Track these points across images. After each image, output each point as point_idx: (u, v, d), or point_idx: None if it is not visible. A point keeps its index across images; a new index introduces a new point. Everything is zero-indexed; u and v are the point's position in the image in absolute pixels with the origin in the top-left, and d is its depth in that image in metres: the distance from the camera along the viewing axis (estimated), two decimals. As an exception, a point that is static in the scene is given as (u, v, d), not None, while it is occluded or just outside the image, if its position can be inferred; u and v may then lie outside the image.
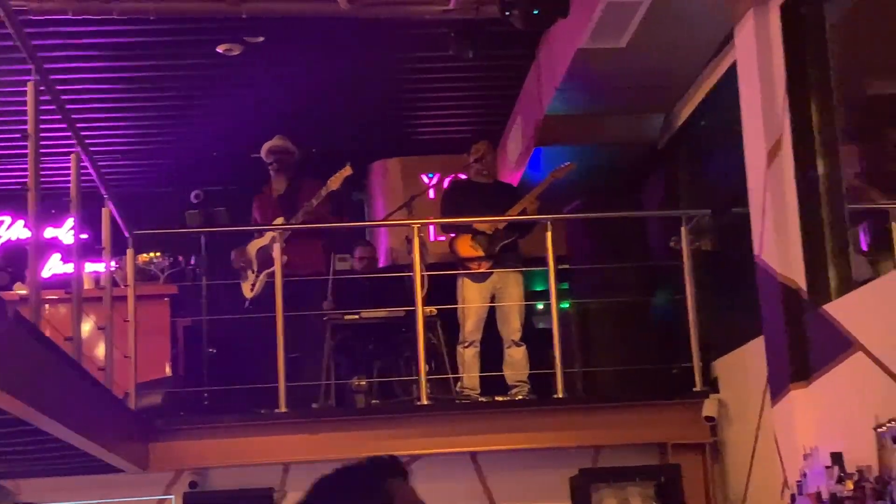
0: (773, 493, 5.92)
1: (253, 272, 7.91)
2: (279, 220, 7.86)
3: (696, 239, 7.65)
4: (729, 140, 6.61)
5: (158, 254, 8.44)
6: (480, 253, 7.93)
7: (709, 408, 7.16)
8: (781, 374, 5.68)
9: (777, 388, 5.75)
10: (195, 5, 6.96)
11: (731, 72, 6.44)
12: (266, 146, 8.18)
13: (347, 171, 7.84)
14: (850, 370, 5.10)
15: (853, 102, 6.01)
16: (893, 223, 5.72)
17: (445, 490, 7.26)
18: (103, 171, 7.76)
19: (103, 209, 6.59)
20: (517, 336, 7.88)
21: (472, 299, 7.91)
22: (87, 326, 7.09)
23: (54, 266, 10.12)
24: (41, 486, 7.00)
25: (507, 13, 6.44)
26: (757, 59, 5.87)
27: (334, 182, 7.79)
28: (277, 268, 7.35)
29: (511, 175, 9.37)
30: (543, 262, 7.54)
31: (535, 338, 8.13)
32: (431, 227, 9.57)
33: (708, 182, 8.00)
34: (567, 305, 8.70)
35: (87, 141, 7.73)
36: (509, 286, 7.96)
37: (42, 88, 4.82)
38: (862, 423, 4.78)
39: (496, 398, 7.70)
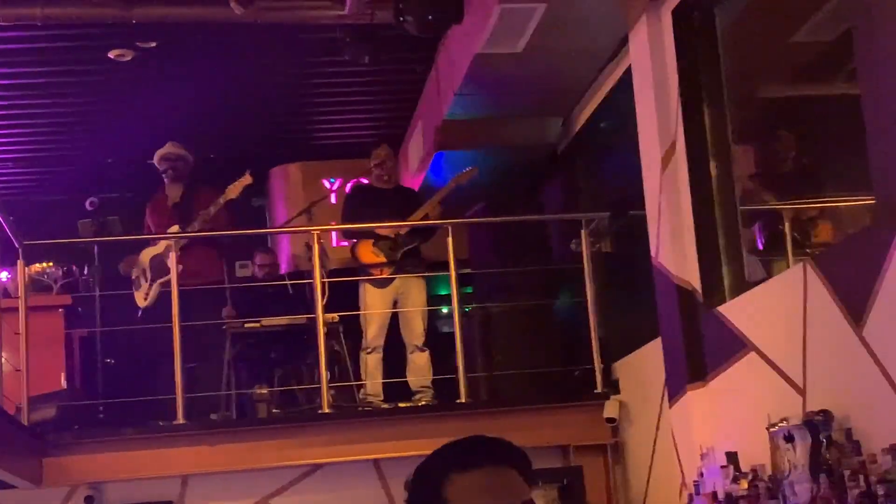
0: (672, 493, 5.98)
1: (146, 281, 7.77)
2: (174, 229, 7.73)
3: (595, 241, 7.71)
4: (626, 143, 6.66)
5: (51, 264, 8.25)
6: (382, 259, 7.88)
7: (610, 409, 7.20)
8: (678, 374, 5.73)
9: (674, 388, 5.81)
10: (83, 11, 6.81)
11: (628, 76, 6.49)
12: (159, 153, 8.04)
13: (247, 179, 7.73)
14: (744, 370, 5.17)
15: (746, 105, 6.10)
16: (786, 223, 5.81)
17: (349, 498, 7.24)
18: (-6, 179, 7.62)
19: (-9, 219, 6.43)
20: (420, 341, 7.86)
21: (374, 305, 7.86)
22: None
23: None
24: (-71, 505, 6.82)
25: (402, 19, 6.42)
26: (651, 63, 5.93)
27: (233, 191, 7.69)
28: (174, 277, 7.23)
29: (412, 180, 9.35)
30: (446, 266, 7.52)
31: (438, 343, 8.11)
32: (333, 233, 9.51)
33: (606, 185, 8.07)
34: (468, 309, 8.70)
35: (-26, 149, 7.58)
36: (412, 291, 7.93)
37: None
38: (755, 423, 4.84)
39: (400, 404, 7.67)
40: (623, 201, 7.31)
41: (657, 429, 6.50)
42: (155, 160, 8.04)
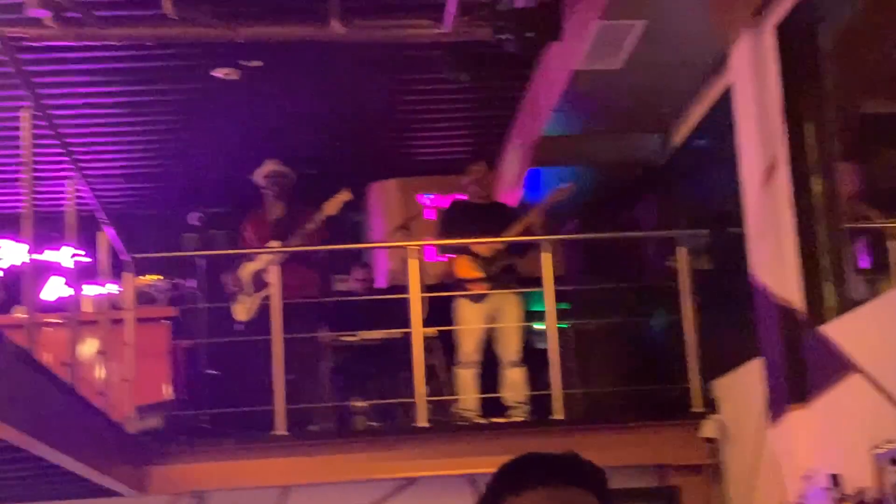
0: (772, 515, 5.91)
1: (247, 296, 7.89)
2: (275, 244, 7.85)
3: (693, 259, 7.65)
4: (725, 160, 6.62)
5: (158, 276, 8.44)
6: (478, 274, 7.92)
7: (708, 429, 7.13)
8: (780, 395, 5.67)
9: (776, 409, 5.74)
10: (191, 31, 6.96)
11: (728, 92, 6.45)
12: (262, 171, 8.15)
13: (345, 195, 7.81)
14: (847, 392, 5.09)
15: (849, 122, 6.02)
16: (891, 242, 5.72)
17: (444, 512, 7.27)
18: (103, 194, 7.82)
19: (99, 233, 6.60)
20: (515, 357, 7.87)
21: (470, 320, 7.90)
22: (88, 349, 7.10)
23: (56, 289, 10.11)
24: (40, 510, 7.00)
25: (501, 37, 6.45)
26: (752, 79, 5.89)
27: (331, 207, 7.77)
28: (274, 290, 7.33)
29: (508, 195, 9.38)
30: (541, 282, 7.53)
31: (533, 359, 8.11)
32: (430, 249, 9.57)
33: (705, 202, 8.01)
34: (565, 326, 8.69)
35: (86, 165, 7.81)
36: (507, 307, 7.95)
37: (38, 113, 4.83)
38: (860, 445, 4.78)
39: (494, 420, 7.68)
40: (721, 218, 7.26)
41: (758, 449, 6.43)
42: (257, 178, 8.16)
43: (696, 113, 7.69)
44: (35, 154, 4.78)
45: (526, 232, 7.88)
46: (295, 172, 8.24)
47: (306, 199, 8.04)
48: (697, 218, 7.88)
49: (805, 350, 5.52)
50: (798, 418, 5.49)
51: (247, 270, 7.93)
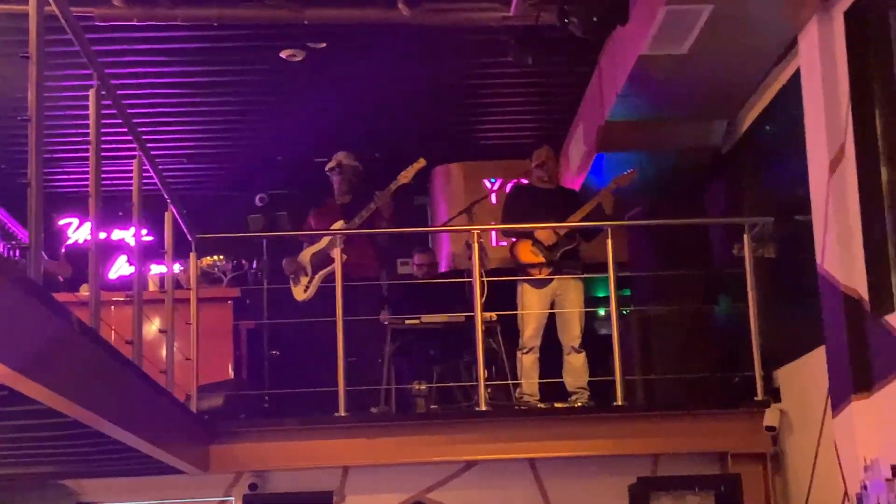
0: (834, 505, 5.85)
1: (306, 276, 7.93)
2: (338, 224, 7.88)
3: (758, 246, 7.58)
4: (793, 147, 6.54)
5: (221, 257, 8.53)
6: (541, 259, 7.91)
7: (770, 417, 7.08)
8: (843, 384, 5.60)
9: (838, 398, 5.67)
10: (258, 12, 7.04)
11: (796, 78, 6.37)
12: (335, 162, 8.13)
13: (421, 163, 7.79)
14: (912, 382, 5.02)
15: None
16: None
17: (504, 497, 7.29)
18: (168, 174, 7.90)
19: (166, 213, 6.68)
20: (577, 343, 7.86)
21: (531, 305, 7.89)
22: (152, 328, 7.21)
23: (122, 268, 10.29)
24: (102, 486, 7.11)
25: (567, 20, 6.42)
26: (820, 66, 5.80)
27: (406, 175, 7.76)
28: (338, 271, 7.35)
29: (573, 181, 9.34)
30: (605, 268, 7.50)
31: (595, 344, 8.09)
32: (493, 233, 9.57)
33: (772, 189, 7.92)
34: (626, 312, 8.65)
35: (151, 145, 7.90)
36: (569, 293, 7.94)
37: (103, 93, 4.89)
38: (923, 437, 4.71)
39: (555, 405, 7.68)
40: (788, 206, 7.18)
41: (819, 439, 6.37)
42: (329, 166, 8.16)
43: (764, 99, 7.60)
44: (102, 134, 4.84)
45: (590, 217, 7.85)
46: (360, 157, 8.26)
47: (372, 184, 8.07)
48: (764, 205, 7.79)
49: (869, 339, 5.45)
50: (860, 408, 5.42)
51: (307, 254, 7.97)
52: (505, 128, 9.81)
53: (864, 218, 5.53)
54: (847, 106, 5.65)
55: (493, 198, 9.87)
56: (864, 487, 5.18)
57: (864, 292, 5.51)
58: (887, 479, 4.96)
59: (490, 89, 9.05)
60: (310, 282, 7.89)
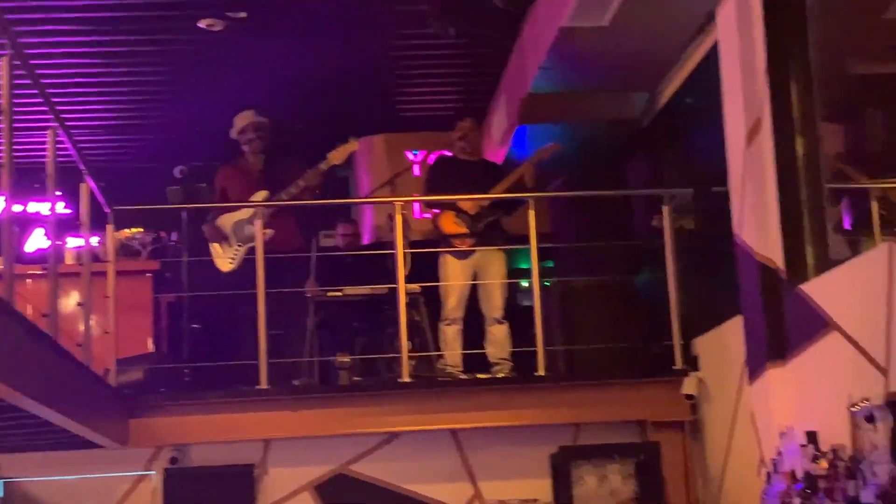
0: (750, 471, 5.95)
1: (229, 245, 7.86)
2: (262, 195, 7.81)
3: (678, 218, 7.66)
4: (712, 119, 6.60)
5: (140, 229, 8.42)
6: (464, 230, 7.93)
7: (688, 386, 7.19)
8: (759, 353, 5.69)
9: (754, 366, 5.77)
10: (175, -20, 6.93)
11: (714, 51, 6.43)
12: (242, 122, 8.05)
13: (353, 146, 7.77)
14: (825, 349, 5.11)
15: (835, 82, 6.00)
16: (874, 203, 5.73)
17: (426, 467, 7.31)
18: (85, 146, 7.79)
19: (82, 184, 6.58)
20: (499, 314, 7.90)
21: (454, 277, 7.92)
22: (70, 302, 7.11)
23: (39, 241, 10.09)
24: (21, 461, 7.02)
25: (488, -8, 6.42)
26: (738, 39, 5.86)
27: (336, 156, 7.72)
28: (259, 243, 7.31)
29: (495, 153, 9.36)
30: (527, 240, 7.53)
31: (518, 316, 8.13)
32: (415, 205, 9.57)
33: (690, 161, 8.01)
34: (549, 283, 8.70)
35: (67, 116, 7.75)
36: (492, 264, 7.97)
37: (17, 63, 4.79)
38: (836, 403, 4.79)
39: (478, 376, 7.72)
40: (707, 177, 7.26)
41: (736, 406, 6.47)
42: (237, 129, 8.09)
43: (683, 72, 7.67)
44: (15, 105, 4.74)
45: (512, 189, 7.88)
46: (281, 127, 8.19)
47: (290, 154, 8.00)
48: (684, 177, 7.88)
49: (784, 308, 5.54)
50: (776, 376, 5.51)
51: (229, 220, 7.88)
52: (427, 99, 9.79)
53: (780, 189, 5.61)
54: (764, 79, 5.72)
55: (416, 169, 9.86)
56: (780, 454, 5.27)
57: (779, 262, 5.60)
58: (802, 446, 5.05)
59: (412, 61, 9.02)
60: (235, 252, 7.83)
